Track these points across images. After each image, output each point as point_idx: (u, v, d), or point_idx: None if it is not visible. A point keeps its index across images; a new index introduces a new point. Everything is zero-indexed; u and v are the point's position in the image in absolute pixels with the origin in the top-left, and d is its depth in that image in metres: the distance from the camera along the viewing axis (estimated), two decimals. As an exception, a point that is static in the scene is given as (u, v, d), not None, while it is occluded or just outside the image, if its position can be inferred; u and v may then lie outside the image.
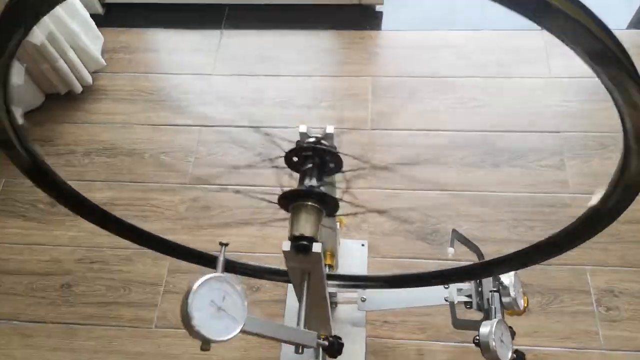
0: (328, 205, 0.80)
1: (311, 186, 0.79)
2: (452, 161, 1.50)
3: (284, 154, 0.83)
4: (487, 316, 1.02)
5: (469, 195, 1.44)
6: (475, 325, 0.96)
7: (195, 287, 0.61)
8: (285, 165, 0.85)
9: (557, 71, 1.64)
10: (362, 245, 1.40)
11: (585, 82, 1.61)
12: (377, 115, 1.60)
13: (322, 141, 0.85)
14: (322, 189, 0.79)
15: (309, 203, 0.77)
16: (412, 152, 1.52)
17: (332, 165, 0.85)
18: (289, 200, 0.78)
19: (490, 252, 1.35)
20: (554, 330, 1.26)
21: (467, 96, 1.61)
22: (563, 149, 1.50)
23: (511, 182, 1.45)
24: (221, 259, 0.69)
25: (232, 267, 1.00)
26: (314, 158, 0.83)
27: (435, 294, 1.11)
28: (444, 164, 1.50)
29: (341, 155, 0.83)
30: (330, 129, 0.86)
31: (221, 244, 0.71)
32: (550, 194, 1.43)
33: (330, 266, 1.20)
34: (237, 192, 1.32)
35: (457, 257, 1.06)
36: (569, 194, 1.42)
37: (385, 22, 1.82)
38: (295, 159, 0.84)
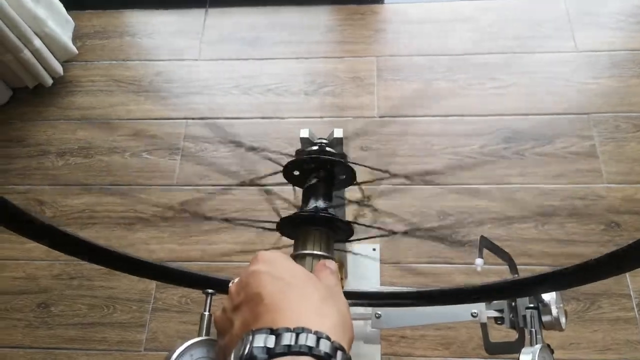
0: (340, 231, 0.65)
1: (317, 208, 0.63)
2: (470, 150, 1.34)
3: (281, 169, 0.67)
4: (522, 335, 0.88)
5: (491, 189, 1.28)
6: (512, 349, 0.82)
7: (173, 357, 0.47)
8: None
9: (583, 44, 1.46)
10: (374, 249, 1.25)
11: (615, 56, 1.44)
12: (384, 101, 1.43)
13: (329, 148, 0.69)
14: (332, 210, 0.64)
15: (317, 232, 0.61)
16: (424, 142, 1.36)
17: (342, 177, 0.69)
18: (292, 228, 0.63)
19: (518, 253, 1.21)
20: (593, 341, 1.12)
21: (484, 76, 1.44)
22: (593, 133, 1.33)
23: (537, 173, 1.29)
24: (206, 314, 0.53)
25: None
26: (320, 170, 0.67)
27: (460, 309, 0.97)
28: (461, 154, 1.33)
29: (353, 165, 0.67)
30: (338, 133, 0.70)
31: (206, 293, 0.56)
32: (581, 184, 1.27)
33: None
34: (226, 220, 1.17)
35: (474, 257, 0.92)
36: (603, 184, 1.27)
37: (389, -6, 1.64)
38: (296, 172, 0.68)
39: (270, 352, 0.33)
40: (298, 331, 0.34)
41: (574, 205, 1.25)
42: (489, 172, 1.30)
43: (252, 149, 1.32)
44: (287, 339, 0.34)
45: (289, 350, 0.33)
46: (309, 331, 0.34)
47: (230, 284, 0.45)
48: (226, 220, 1.15)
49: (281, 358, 0.33)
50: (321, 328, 0.35)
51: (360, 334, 1.11)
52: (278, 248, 0.71)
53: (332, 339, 0.35)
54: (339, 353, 0.35)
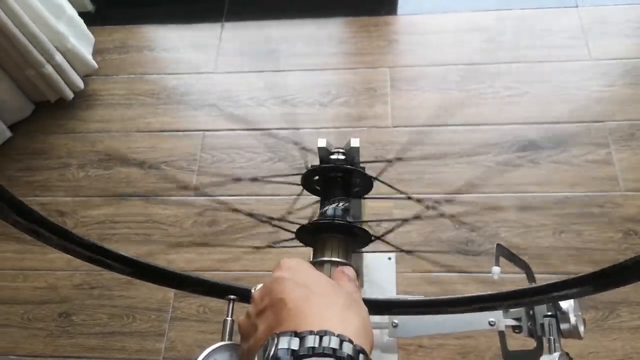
0: (357, 239, 0.66)
1: (334, 217, 0.64)
2: (485, 159, 1.34)
3: (302, 171, 0.69)
4: (541, 344, 0.88)
5: (507, 197, 1.28)
6: (530, 357, 0.82)
7: (198, 361, 0.48)
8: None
9: (597, 53, 1.46)
10: (389, 258, 1.25)
11: (630, 64, 1.44)
12: (398, 111, 1.44)
13: (346, 158, 0.70)
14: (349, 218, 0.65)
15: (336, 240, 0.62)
16: (438, 152, 1.37)
17: (359, 187, 0.70)
18: (311, 235, 0.64)
19: (535, 261, 1.20)
20: (612, 350, 1.11)
21: (498, 85, 1.44)
22: (609, 141, 1.33)
23: (553, 181, 1.29)
24: (229, 319, 0.54)
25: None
26: (338, 179, 0.68)
27: (478, 318, 0.97)
28: (476, 162, 1.34)
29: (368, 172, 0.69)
30: (355, 142, 0.71)
31: (229, 298, 0.57)
32: (598, 192, 1.27)
33: (355, 287, 1.06)
34: (250, 215, 1.18)
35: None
36: (620, 192, 1.26)
37: (402, 5, 1.65)
38: (315, 177, 0.69)
39: (294, 354, 0.34)
40: (321, 334, 0.35)
41: (591, 213, 1.24)
42: (505, 181, 1.30)
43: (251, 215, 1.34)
44: (311, 341, 0.35)
45: (313, 352, 0.34)
46: (332, 334, 0.35)
47: (253, 290, 0.46)
48: (250, 215, 1.17)
49: None
50: (344, 332, 0.36)
51: (377, 343, 1.11)
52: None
53: (355, 342, 0.36)
54: (361, 356, 0.35)
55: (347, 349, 0.35)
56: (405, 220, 1.20)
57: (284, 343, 0.35)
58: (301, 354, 0.34)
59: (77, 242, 0.55)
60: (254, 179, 1.34)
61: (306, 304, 0.39)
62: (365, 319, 0.40)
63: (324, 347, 0.34)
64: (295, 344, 0.35)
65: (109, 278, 1.29)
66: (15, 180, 1.45)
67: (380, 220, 0.83)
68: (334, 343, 0.34)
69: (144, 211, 1.37)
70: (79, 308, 1.28)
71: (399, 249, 1.15)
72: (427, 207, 0.95)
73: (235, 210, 1.31)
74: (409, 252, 1.23)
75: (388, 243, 0.76)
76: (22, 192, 1.43)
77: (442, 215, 1.22)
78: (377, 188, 0.72)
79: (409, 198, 0.83)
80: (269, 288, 0.42)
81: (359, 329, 0.38)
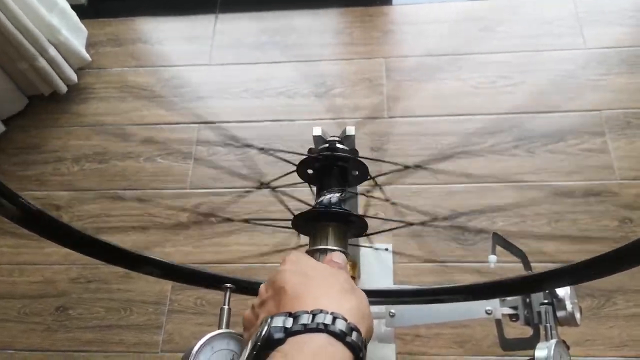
0: (353, 225, 0.66)
1: (331, 204, 0.64)
2: (481, 149, 1.34)
3: (294, 169, 0.68)
4: (537, 332, 0.88)
5: (503, 187, 1.28)
6: (527, 345, 0.82)
7: (195, 350, 0.48)
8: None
9: (592, 41, 1.46)
10: (386, 249, 1.26)
11: (624, 52, 1.43)
12: (393, 101, 1.44)
13: (341, 145, 0.70)
14: (344, 205, 0.65)
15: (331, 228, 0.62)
16: (435, 141, 1.36)
17: (355, 173, 0.70)
18: (306, 223, 0.64)
19: (532, 250, 1.20)
20: (608, 337, 1.12)
21: (493, 74, 1.44)
22: (605, 129, 1.33)
23: (549, 170, 1.29)
24: (225, 308, 0.54)
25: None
26: (333, 167, 0.68)
27: (475, 307, 0.97)
28: (472, 152, 1.34)
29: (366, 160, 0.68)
30: (350, 130, 0.71)
31: (226, 287, 0.57)
32: (594, 181, 1.27)
33: (352, 278, 1.06)
34: (246, 221, 1.18)
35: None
36: (616, 180, 1.26)
37: (397, -5, 1.65)
38: (310, 171, 0.69)
39: (287, 331, 0.35)
40: (315, 312, 0.36)
41: (587, 202, 1.25)
42: (501, 170, 1.30)
43: (262, 149, 1.34)
44: (305, 319, 0.36)
45: (305, 328, 0.35)
46: (326, 312, 0.36)
47: (262, 286, 0.47)
48: (246, 221, 1.17)
49: (298, 336, 0.35)
50: (338, 310, 0.37)
51: (375, 333, 1.11)
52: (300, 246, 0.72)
53: (349, 320, 0.37)
54: (354, 333, 0.36)
55: (340, 325, 0.36)
56: (410, 224, 1.20)
57: (278, 322, 0.36)
58: (294, 330, 0.35)
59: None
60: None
61: (304, 288, 0.40)
62: (361, 303, 0.41)
63: (317, 323, 0.35)
64: (289, 322, 0.36)
65: (106, 272, 1.29)
66: (9, 175, 1.45)
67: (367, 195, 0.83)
68: (327, 319, 0.35)
69: (140, 204, 1.37)
70: (76, 302, 1.27)
71: (404, 223, 1.16)
72: (407, 167, 0.94)
73: (229, 220, 1.31)
74: (412, 224, 1.23)
75: (384, 219, 0.75)
76: (17, 187, 1.41)
77: (435, 172, 1.22)
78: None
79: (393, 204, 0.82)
80: (272, 280, 0.43)
81: (354, 309, 0.39)
